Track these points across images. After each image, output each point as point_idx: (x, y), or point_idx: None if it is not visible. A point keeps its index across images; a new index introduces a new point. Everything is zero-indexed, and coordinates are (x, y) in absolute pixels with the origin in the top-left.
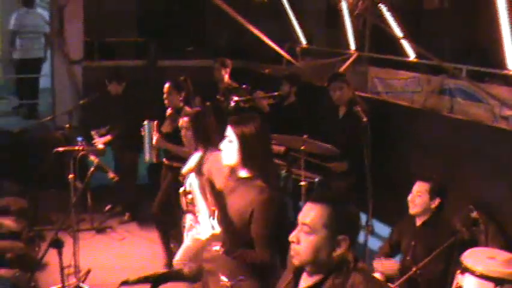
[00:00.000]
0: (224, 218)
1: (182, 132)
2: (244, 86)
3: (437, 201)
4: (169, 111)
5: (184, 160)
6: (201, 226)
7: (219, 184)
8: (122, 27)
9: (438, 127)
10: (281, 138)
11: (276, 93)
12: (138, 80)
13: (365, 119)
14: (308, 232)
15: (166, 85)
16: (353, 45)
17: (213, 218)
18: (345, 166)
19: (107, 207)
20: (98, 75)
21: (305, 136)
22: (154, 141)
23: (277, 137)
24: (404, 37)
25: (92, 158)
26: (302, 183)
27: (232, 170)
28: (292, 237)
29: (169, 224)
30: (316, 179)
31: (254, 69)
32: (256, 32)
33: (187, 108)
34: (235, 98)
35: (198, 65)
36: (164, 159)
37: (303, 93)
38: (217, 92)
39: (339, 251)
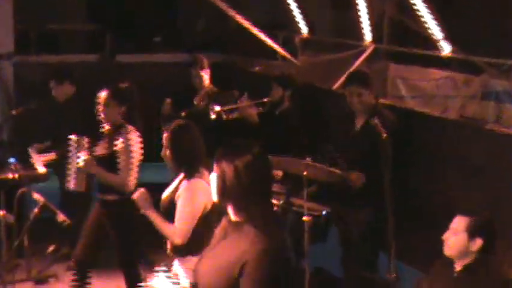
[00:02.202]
0: None
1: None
2: (229, 91)
3: (478, 242)
4: (105, 127)
5: (119, 193)
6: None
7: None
8: (68, 12)
9: (481, 143)
10: (277, 161)
11: (265, 100)
12: (90, 80)
13: (384, 135)
14: None
15: (103, 94)
16: (368, 35)
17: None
18: (363, 177)
19: (50, 249)
20: (36, 74)
21: (308, 159)
22: (82, 163)
23: (272, 159)
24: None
25: (35, 196)
26: (305, 217)
27: (226, 209)
28: None
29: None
30: (324, 212)
31: (240, 67)
32: (240, 18)
33: (128, 127)
34: (217, 108)
35: (168, 60)
36: (98, 193)
37: (302, 98)
38: (193, 95)
39: None
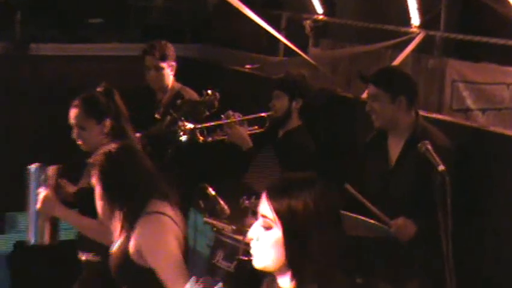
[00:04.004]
0: None
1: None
2: (209, 93)
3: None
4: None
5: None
6: None
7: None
8: None
9: None
10: None
11: (263, 114)
12: None
13: (441, 167)
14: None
15: (74, 110)
16: (416, 18)
17: None
18: (413, 227)
19: None
20: None
21: None
22: (40, 203)
23: None
24: None
25: None
26: None
27: (266, 276)
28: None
29: None
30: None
31: (222, 65)
32: None
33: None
34: (189, 125)
35: (113, 52)
36: (77, 251)
37: (319, 113)
38: (152, 106)
39: None
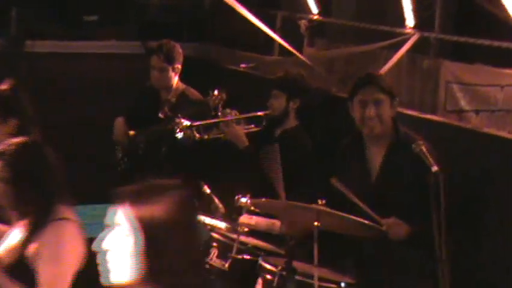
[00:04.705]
0: None
1: None
2: (215, 94)
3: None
4: None
5: None
6: None
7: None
8: None
9: None
10: (270, 205)
11: (261, 113)
12: None
13: (435, 168)
14: None
15: None
16: (410, 18)
17: None
18: (405, 227)
19: None
20: None
21: (321, 202)
22: None
23: (262, 203)
24: None
25: None
26: None
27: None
28: None
29: None
30: (343, 284)
31: (218, 64)
32: None
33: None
34: (185, 123)
35: (110, 50)
36: None
37: (316, 113)
38: (157, 105)
39: None
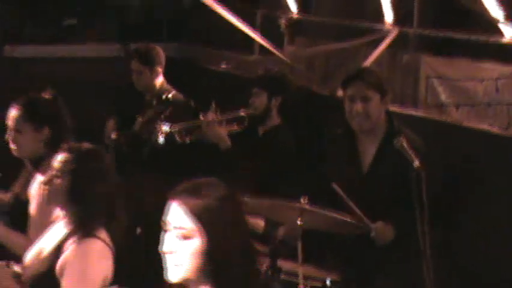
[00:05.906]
0: None
1: (40, 191)
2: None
3: None
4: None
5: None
6: None
7: None
8: None
9: None
10: (257, 204)
11: (242, 113)
12: None
13: (416, 163)
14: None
15: (12, 113)
16: (389, 14)
17: None
18: (392, 231)
19: None
20: None
21: (304, 200)
22: None
23: (250, 202)
24: None
25: None
26: None
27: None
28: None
29: None
30: (328, 282)
31: (198, 64)
32: None
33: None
34: (165, 127)
35: (89, 54)
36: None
37: (298, 111)
38: (140, 107)
39: None
